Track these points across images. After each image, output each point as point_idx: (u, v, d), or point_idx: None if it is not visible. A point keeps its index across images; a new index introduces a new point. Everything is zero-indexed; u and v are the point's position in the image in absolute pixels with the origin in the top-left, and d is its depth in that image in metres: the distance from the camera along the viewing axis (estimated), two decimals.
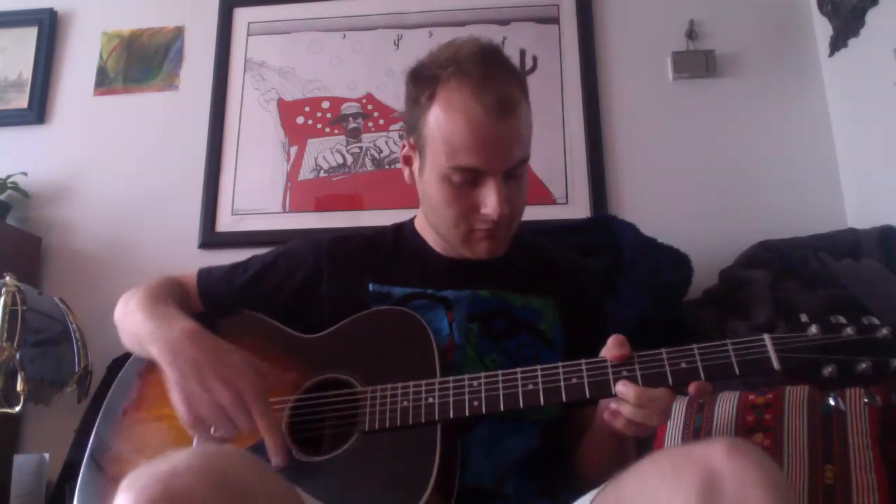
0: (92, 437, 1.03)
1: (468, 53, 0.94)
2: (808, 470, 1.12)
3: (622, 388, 0.81)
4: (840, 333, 0.78)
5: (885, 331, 0.77)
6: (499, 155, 0.93)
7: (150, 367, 1.03)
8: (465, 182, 0.94)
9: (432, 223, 1.05)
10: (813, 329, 0.79)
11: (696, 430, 1.28)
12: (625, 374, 0.82)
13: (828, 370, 0.77)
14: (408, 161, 1.05)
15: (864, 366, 0.76)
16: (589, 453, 0.98)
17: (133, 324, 1.01)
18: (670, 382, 0.80)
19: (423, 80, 0.97)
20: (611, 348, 0.85)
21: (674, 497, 0.64)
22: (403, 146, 1.05)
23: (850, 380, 0.77)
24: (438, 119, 0.94)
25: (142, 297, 1.03)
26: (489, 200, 0.93)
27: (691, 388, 0.80)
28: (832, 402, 0.79)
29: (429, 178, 0.99)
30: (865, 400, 0.79)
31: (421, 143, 0.99)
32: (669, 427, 1.32)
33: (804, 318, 0.80)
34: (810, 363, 0.78)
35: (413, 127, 1.01)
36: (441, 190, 0.96)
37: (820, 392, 1.19)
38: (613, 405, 0.83)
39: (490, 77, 0.92)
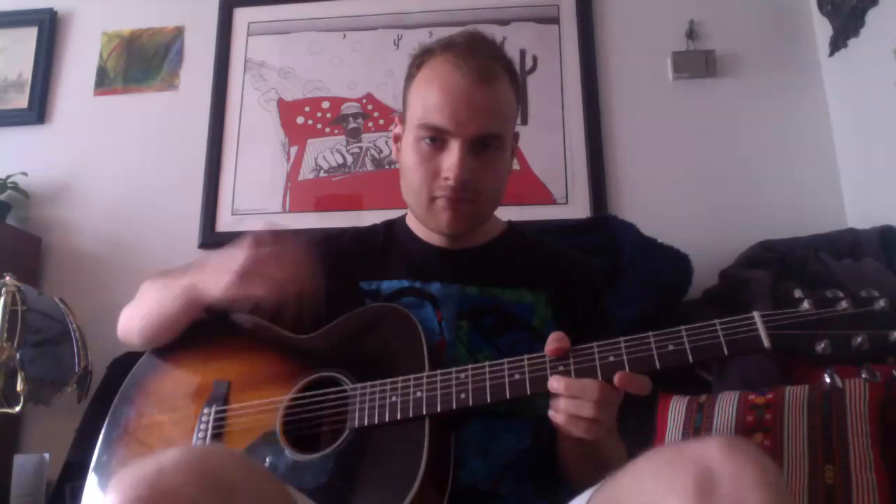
0: (98, 445, 1.02)
1: (462, 34, 1.01)
2: (809, 470, 1.12)
3: (554, 382, 0.80)
4: (835, 307, 0.74)
5: (882, 302, 0.72)
6: (466, 118, 0.94)
7: (153, 374, 1.04)
8: (433, 144, 0.97)
9: (406, 198, 1.05)
10: (806, 304, 0.75)
11: (697, 430, 1.28)
12: (560, 368, 0.82)
13: (821, 346, 0.72)
14: (397, 139, 1.07)
15: (859, 340, 0.71)
16: (563, 456, 0.97)
17: (148, 301, 1.04)
18: (599, 375, 0.79)
19: (417, 56, 1.03)
20: (549, 343, 0.84)
21: (669, 496, 0.62)
22: (395, 123, 1.08)
23: (845, 356, 0.72)
24: (419, 84, 1.00)
25: (146, 288, 1.06)
26: (448, 163, 0.95)
27: (615, 379, 0.78)
28: (828, 380, 0.75)
29: (405, 145, 1.02)
30: (865, 376, 0.74)
31: (405, 113, 1.03)
32: (670, 427, 1.32)
33: (797, 293, 0.76)
34: (803, 340, 0.73)
35: (403, 100, 1.05)
36: (411, 155, 0.99)
37: (820, 392, 1.19)
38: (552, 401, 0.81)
39: (474, 50, 0.97)
